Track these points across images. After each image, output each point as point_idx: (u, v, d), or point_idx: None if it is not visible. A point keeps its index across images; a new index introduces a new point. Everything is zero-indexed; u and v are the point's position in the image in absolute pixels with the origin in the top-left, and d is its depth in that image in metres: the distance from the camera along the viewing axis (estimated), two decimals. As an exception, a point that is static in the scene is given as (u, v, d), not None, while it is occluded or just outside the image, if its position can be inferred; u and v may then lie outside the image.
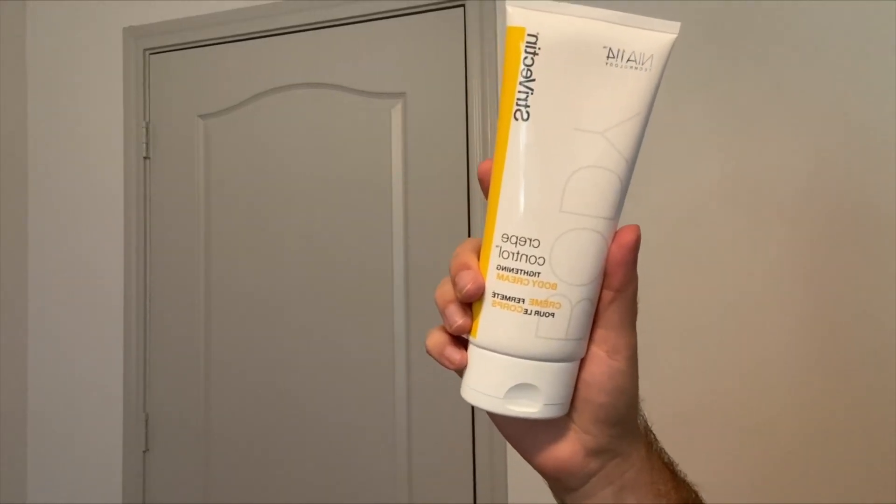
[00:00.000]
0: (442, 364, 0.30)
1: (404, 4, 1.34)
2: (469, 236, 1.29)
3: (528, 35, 0.28)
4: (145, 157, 1.55)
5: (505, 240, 0.29)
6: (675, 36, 0.29)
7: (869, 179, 1.05)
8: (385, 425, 1.34)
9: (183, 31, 1.52)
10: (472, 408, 1.26)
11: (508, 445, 1.28)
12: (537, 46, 0.28)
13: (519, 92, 0.28)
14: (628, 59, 0.28)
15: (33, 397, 1.64)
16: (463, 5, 1.31)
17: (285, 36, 1.45)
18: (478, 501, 1.26)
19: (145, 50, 1.56)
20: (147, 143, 1.55)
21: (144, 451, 1.52)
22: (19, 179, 1.65)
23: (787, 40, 1.10)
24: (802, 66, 1.09)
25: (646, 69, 0.28)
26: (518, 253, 0.28)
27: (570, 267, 0.28)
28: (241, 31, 1.46)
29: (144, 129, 1.55)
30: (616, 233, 0.29)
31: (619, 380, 0.29)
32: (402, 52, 1.36)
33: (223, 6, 1.48)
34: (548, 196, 0.28)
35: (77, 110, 1.62)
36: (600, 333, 0.29)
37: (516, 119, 0.29)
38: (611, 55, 0.28)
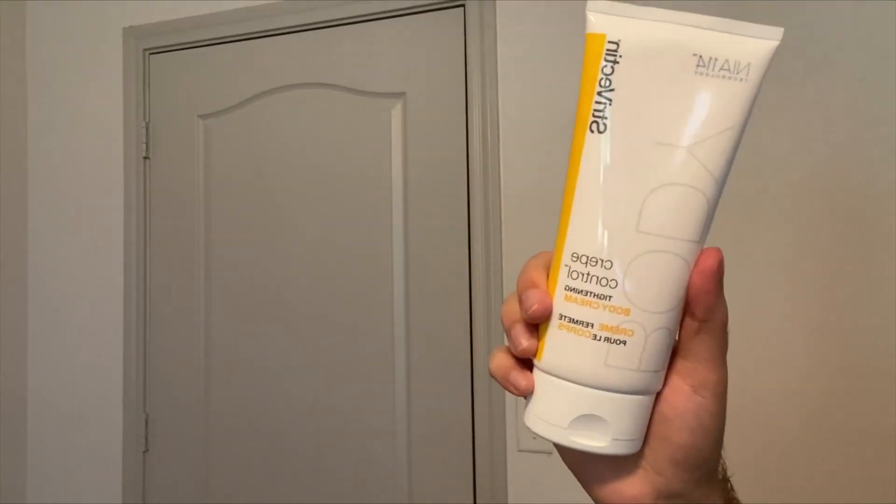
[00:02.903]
0: (507, 389, 0.28)
1: (404, 4, 1.34)
2: (469, 236, 1.29)
3: (609, 42, 0.27)
4: (145, 157, 1.55)
5: (574, 259, 0.27)
6: (777, 43, 0.26)
7: (870, 178, 1.05)
8: (385, 425, 1.34)
9: (183, 31, 1.52)
10: (472, 407, 1.26)
11: (508, 445, 1.28)
12: (618, 54, 0.26)
13: (596, 102, 0.27)
14: (721, 68, 0.26)
15: (33, 397, 1.64)
16: (463, 5, 1.31)
17: (285, 36, 1.45)
18: (478, 501, 1.26)
19: (145, 50, 1.56)
20: (147, 143, 1.55)
21: (144, 452, 1.52)
22: (19, 179, 1.65)
23: (789, 39, 1.10)
24: (804, 65, 1.09)
25: (741, 79, 0.26)
26: (588, 274, 0.26)
27: (645, 292, 0.26)
28: (241, 31, 1.46)
29: (144, 129, 1.55)
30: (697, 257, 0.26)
31: (705, 418, 0.26)
32: (402, 52, 1.36)
33: (223, 6, 1.48)
34: (623, 214, 0.26)
35: (77, 110, 1.62)
36: (685, 366, 0.27)
37: (592, 131, 0.27)
38: (701, 64, 0.26)
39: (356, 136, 1.38)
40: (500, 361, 0.29)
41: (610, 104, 0.27)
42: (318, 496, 1.38)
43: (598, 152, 0.27)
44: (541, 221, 1.23)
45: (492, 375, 0.29)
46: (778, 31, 0.26)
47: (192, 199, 1.51)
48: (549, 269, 0.29)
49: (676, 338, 0.27)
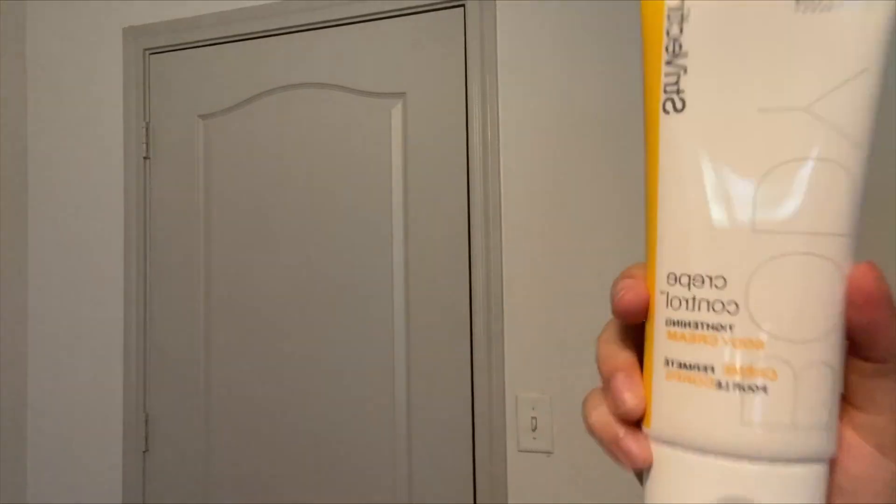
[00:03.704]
0: (616, 459, 0.21)
1: (404, 4, 1.34)
2: (469, 235, 1.29)
3: (670, 1, 0.21)
4: (145, 157, 1.55)
5: (673, 282, 0.20)
6: None
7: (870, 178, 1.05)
8: (385, 425, 1.34)
9: (183, 31, 1.52)
10: (472, 407, 1.26)
11: (508, 445, 1.28)
12: (685, 9, 0.20)
13: (666, 75, 0.21)
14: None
15: (33, 397, 1.64)
16: (463, 5, 1.31)
17: (285, 36, 1.45)
18: (478, 501, 1.26)
19: (145, 50, 1.56)
20: (147, 143, 1.55)
21: (144, 452, 1.52)
22: (19, 179, 1.65)
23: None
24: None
25: (860, 6, 0.19)
26: (695, 299, 0.20)
27: (782, 314, 0.18)
28: (241, 31, 1.46)
29: (144, 129, 1.55)
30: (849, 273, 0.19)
31: None
32: (402, 52, 1.36)
33: (223, 6, 1.48)
34: (730, 211, 0.19)
35: (77, 110, 1.62)
36: (863, 419, 0.19)
37: (667, 111, 0.21)
38: None
39: (356, 136, 1.38)
40: (603, 419, 0.21)
41: (685, 73, 0.20)
42: (317, 496, 1.38)
43: (679, 137, 0.20)
44: (541, 222, 1.23)
45: (590, 433, 0.22)
46: None
47: (192, 199, 1.51)
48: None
49: (842, 377, 0.19)
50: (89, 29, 1.62)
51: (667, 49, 0.21)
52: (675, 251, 0.20)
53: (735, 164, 0.20)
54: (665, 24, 0.21)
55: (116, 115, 1.58)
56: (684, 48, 0.20)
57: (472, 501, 1.27)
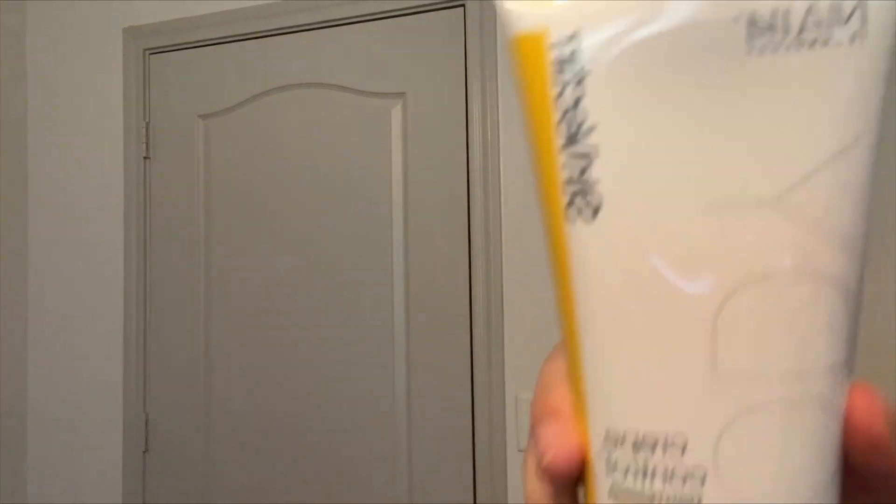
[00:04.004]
0: None
1: (404, 4, 1.34)
2: (469, 235, 1.29)
3: (555, 45, 0.14)
4: (145, 157, 1.55)
5: (615, 444, 0.15)
6: None
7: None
8: (385, 425, 1.34)
9: (183, 31, 1.52)
10: (472, 407, 1.26)
11: (508, 445, 1.28)
12: (582, 62, 0.14)
13: (564, 165, 0.14)
14: (800, 31, 0.13)
15: (33, 397, 1.64)
16: (463, 5, 1.31)
17: (285, 36, 1.45)
18: (478, 501, 1.26)
19: (145, 50, 1.56)
20: (147, 143, 1.55)
21: (144, 452, 1.52)
22: (19, 179, 1.65)
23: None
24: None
25: (851, 38, 0.13)
26: (646, 468, 0.14)
27: (762, 480, 0.13)
28: (241, 31, 1.46)
29: (144, 129, 1.55)
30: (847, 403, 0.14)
31: None
32: (402, 52, 1.36)
33: (223, 6, 1.48)
34: (680, 352, 0.14)
35: (77, 110, 1.62)
36: None
37: (571, 219, 0.15)
38: (757, 31, 0.13)
39: (356, 136, 1.38)
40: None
41: (594, 160, 0.14)
42: (317, 496, 1.38)
43: (597, 253, 0.14)
44: (541, 222, 1.23)
45: None
46: None
47: (192, 199, 1.51)
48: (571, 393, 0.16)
49: None
50: (89, 29, 1.62)
51: (561, 124, 0.14)
52: (614, 401, 0.15)
53: (681, 287, 0.14)
54: (554, 85, 0.14)
55: (116, 115, 1.57)
56: (589, 121, 0.14)
57: (472, 501, 1.27)
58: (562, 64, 0.14)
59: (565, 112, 0.14)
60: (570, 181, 0.14)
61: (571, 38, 0.14)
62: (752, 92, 0.13)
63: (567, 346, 0.16)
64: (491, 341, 1.25)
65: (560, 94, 0.14)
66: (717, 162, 0.13)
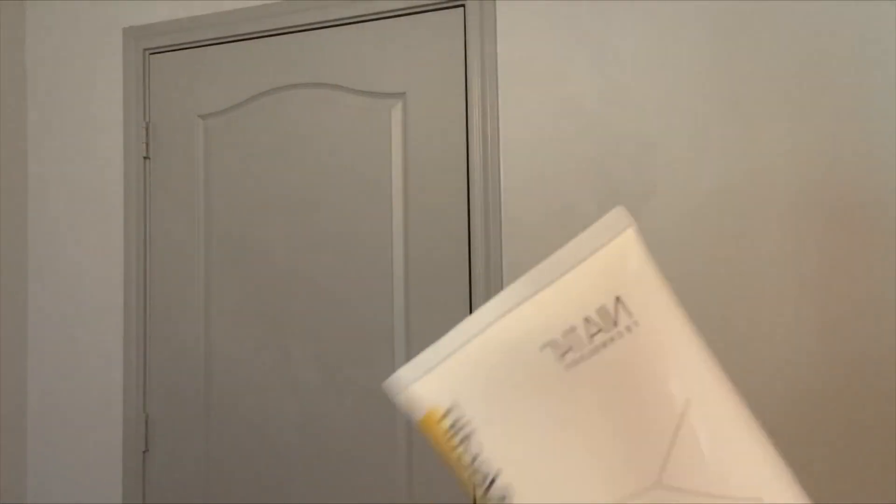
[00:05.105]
0: None
1: (404, 4, 1.34)
2: (469, 236, 1.29)
3: (444, 416, 0.18)
4: (145, 157, 1.55)
5: None
6: (633, 228, 0.17)
7: (870, 177, 1.05)
8: (385, 425, 1.34)
9: (183, 31, 1.52)
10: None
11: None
12: (464, 421, 0.18)
13: (491, 498, 0.19)
14: (594, 334, 0.16)
15: (33, 397, 1.64)
16: (463, 5, 1.31)
17: (285, 36, 1.45)
18: (478, 502, 1.26)
19: (145, 50, 1.56)
20: (147, 143, 1.55)
21: (144, 452, 1.52)
22: (19, 179, 1.65)
23: (788, 39, 1.10)
24: (803, 65, 1.09)
25: (629, 326, 0.16)
26: None
27: None
28: (241, 31, 1.46)
29: (144, 129, 1.55)
30: None
31: None
32: (402, 52, 1.36)
33: (223, 6, 1.48)
34: None
35: (77, 110, 1.62)
36: None
37: None
38: (558, 348, 0.17)
39: (356, 136, 1.38)
40: None
41: (510, 493, 0.18)
42: (317, 496, 1.38)
43: None
44: (541, 221, 1.23)
45: None
46: (620, 215, 0.18)
47: (192, 199, 1.51)
48: None
49: None
50: (89, 29, 1.62)
51: (472, 466, 0.18)
52: None
53: None
54: (455, 447, 0.17)
55: (116, 115, 1.57)
56: (491, 462, 0.17)
57: (472, 501, 1.26)
58: (453, 429, 0.18)
59: (468, 463, 0.18)
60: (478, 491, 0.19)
61: (449, 408, 0.17)
62: (585, 392, 0.16)
63: None
64: (491, 341, 1.24)
65: (459, 451, 0.18)
66: (593, 463, 0.15)
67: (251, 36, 1.47)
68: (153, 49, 1.55)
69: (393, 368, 1.33)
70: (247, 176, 1.47)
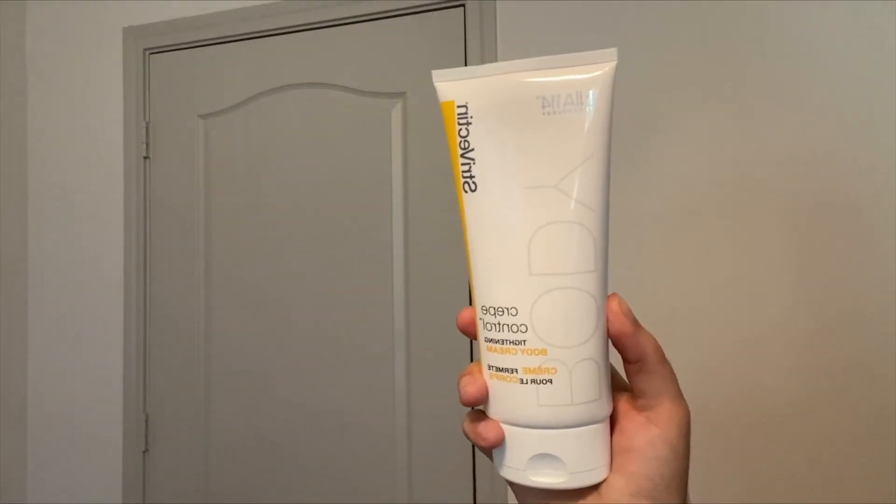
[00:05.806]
0: (477, 445, 0.29)
1: (404, 4, 1.34)
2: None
3: (458, 107, 0.28)
4: (145, 157, 1.55)
5: (485, 312, 0.28)
6: (614, 63, 0.27)
7: (870, 177, 1.05)
8: (385, 425, 1.34)
9: (183, 31, 1.52)
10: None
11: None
12: (469, 115, 0.28)
13: (462, 165, 0.28)
14: (566, 103, 0.27)
15: (33, 397, 1.64)
16: (463, 5, 1.31)
17: (285, 36, 1.45)
18: (478, 501, 1.26)
19: (145, 50, 1.56)
20: (147, 143, 1.55)
21: (144, 451, 1.52)
22: (19, 179, 1.65)
23: (785, 40, 1.10)
24: (801, 65, 1.09)
25: (587, 107, 0.26)
26: (500, 324, 0.28)
27: (554, 330, 0.27)
28: (241, 31, 1.46)
29: (144, 129, 1.55)
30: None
31: (661, 449, 0.27)
32: (402, 52, 1.36)
33: (223, 6, 1.48)
34: (513, 262, 0.27)
35: (77, 110, 1.62)
36: (639, 402, 0.28)
37: (466, 192, 0.29)
38: (546, 104, 0.27)
39: (356, 136, 1.38)
40: (470, 417, 0.30)
41: (474, 163, 0.28)
42: (317, 496, 1.38)
43: (476, 209, 0.28)
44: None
45: (465, 436, 0.29)
46: (611, 53, 0.27)
47: (192, 199, 1.51)
48: None
49: (607, 367, 0.28)
50: (89, 29, 1.62)
51: (460, 145, 0.28)
52: (484, 291, 0.28)
53: (513, 228, 0.27)
54: (457, 127, 0.28)
55: (116, 115, 1.58)
56: (472, 145, 0.28)
57: (472, 501, 1.27)
58: (460, 117, 0.28)
59: (461, 139, 0.28)
60: (464, 174, 0.29)
61: (465, 105, 0.28)
62: (542, 134, 0.27)
63: (467, 259, 0.30)
64: (491, 341, 1.24)
65: (459, 131, 0.28)
66: (525, 168, 0.27)
67: (251, 36, 1.47)
68: (153, 49, 1.55)
69: (393, 368, 1.33)
70: (247, 175, 1.47)
